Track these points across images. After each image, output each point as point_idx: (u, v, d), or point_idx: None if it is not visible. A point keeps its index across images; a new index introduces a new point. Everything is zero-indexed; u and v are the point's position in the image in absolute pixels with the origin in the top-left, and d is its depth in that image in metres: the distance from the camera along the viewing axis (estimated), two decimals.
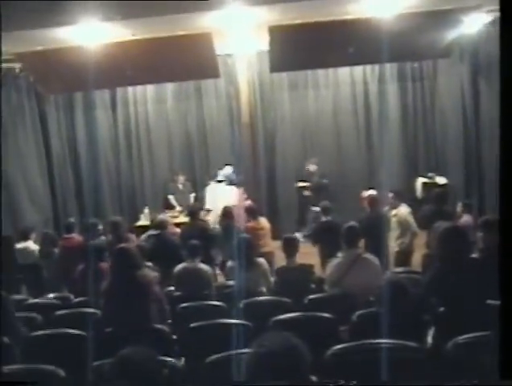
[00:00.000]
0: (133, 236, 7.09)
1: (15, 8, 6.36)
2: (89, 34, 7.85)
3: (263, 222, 7.56)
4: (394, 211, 7.24)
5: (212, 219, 8.66)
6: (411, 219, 7.14)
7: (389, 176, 10.78)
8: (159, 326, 3.99)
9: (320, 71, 11.17)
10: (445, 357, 3.09)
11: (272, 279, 5.49)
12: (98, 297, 4.40)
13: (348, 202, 10.12)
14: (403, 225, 7.06)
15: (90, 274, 5.39)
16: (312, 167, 10.34)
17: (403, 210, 7.20)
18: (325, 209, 7.25)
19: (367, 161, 11.26)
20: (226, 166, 10.04)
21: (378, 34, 7.76)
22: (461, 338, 3.04)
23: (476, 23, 8.77)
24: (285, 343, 1.76)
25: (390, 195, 7.44)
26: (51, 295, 5.66)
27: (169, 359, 3.03)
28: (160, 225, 6.88)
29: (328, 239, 6.70)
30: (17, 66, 9.74)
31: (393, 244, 7.06)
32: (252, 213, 7.56)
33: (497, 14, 8.19)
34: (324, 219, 7.23)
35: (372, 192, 7.58)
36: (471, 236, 5.92)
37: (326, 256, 6.39)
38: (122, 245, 4.51)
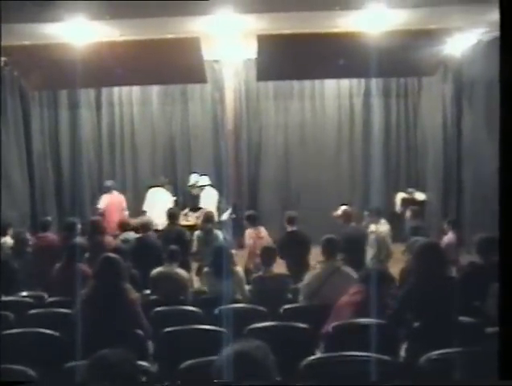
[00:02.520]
0: (110, 238, 7.04)
1: (3, 1, 6.32)
2: (77, 32, 7.80)
3: (263, 231, 7.37)
4: (371, 228, 7.27)
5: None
6: (388, 238, 7.19)
7: (369, 190, 10.92)
8: (134, 329, 3.95)
9: (306, 83, 11.25)
10: (417, 372, 3.12)
11: (247, 288, 5.49)
12: (73, 298, 4.35)
13: (327, 214, 10.17)
14: (380, 243, 7.10)
15: (65, 274, 5.34)
16: (194, 178, 10.09)
17: (382, 228, 7.21)
18: (290, 219, 7.14)
19: (348, 173, 11.36)
20: (193, 174, 10.14)
21: (366, 48, 7.87)
22: (434, 353, 3.07)
23: (461, 44, 8.93)
24: (240, 348, 1.80)
25: (367, 211, 7.49)
26: (24, 293, 5.57)
27: (143, 363, 3.01)
28: (143, 227, 6.87)
29: (294, 249, 6.69)
30: (2, 59, 9.63)
31: (368, 261, 7.10)
32: (252, 221, 7.45)
33: (481, 36, 8.36)
34: (289, 229, 7.10)
35: (345, 207, 7.59)
36: (455, 253, 6.03)
37: (292, 266, 6.40)
38: (109, 254, 4.41)
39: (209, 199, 9.39)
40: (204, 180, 9.81)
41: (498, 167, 2.41)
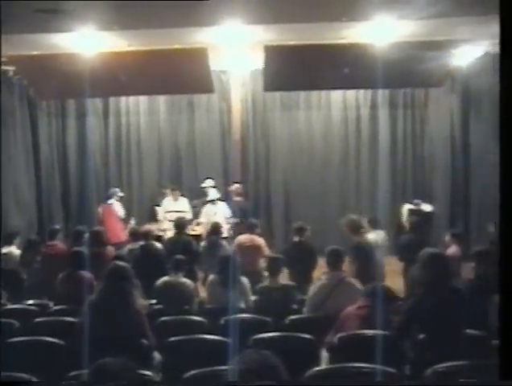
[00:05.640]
0: (111, 248, 7.00)
1: (13, 11, 6.38)
2: (86, 43, 7.87)
3: (256, 240, 7.22)
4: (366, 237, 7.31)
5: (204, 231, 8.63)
6: (378, 248, 7.17)
7: (375, 201, 10.91)
8: (140, 340, 3.94)
9: (313, 93, 11.27)
10: (423, 384, 3.10)
11: (252, 298, 5.47)
12: (77, 306, 4.34)
13: (331, 225, 10.27)
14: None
15: (70, 283, 5.35)
16: (208, 184, 9.93)
17: (371, 236, 7.22)
18: (297, 230, 7.10)
19: (354, 185, 11.35)
20: (207, 180, 10.00)
21: (372, 60, 7.88)
22: (440, 366, 3.05)
23: (468, 56, 8.93)
24: (264, 362, 1.76)
25: (366, 220, 7.53)
26: (30, 301, 5.58)
27: (147, 372, 3.01)
28: (146, 235, 6.87)
29: (299, 260, 6.65)
30: (10, 69, 9.72)
31: None
32: (249, 228, 7.37)
33: (488, 48, 8.35)
34: (296, 239, 7.05)
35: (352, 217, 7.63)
36: (457, 266, 5.98)
37: (297, 277, 6.37)
38: (117, 262, 4.41)
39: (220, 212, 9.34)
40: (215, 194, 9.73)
41: (499, 172, 2.40)
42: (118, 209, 9.68)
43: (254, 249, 7.06)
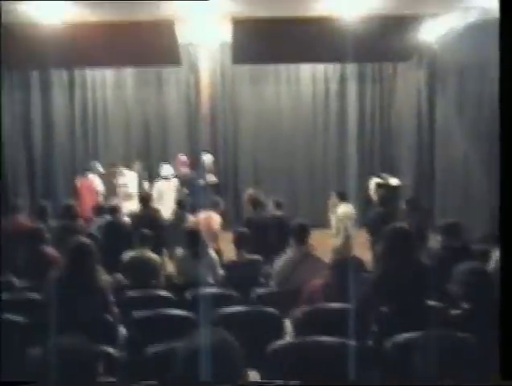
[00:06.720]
0: (82, 221, 6.98)
1: None
2: (51, 12, 7.64)
3: (212, 216, 7.27)
4: (333, 210, 7.48)
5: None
6: (348, 220, 7.33)
7: (343, 175, 11.01)
8: (104, 315, 3.90)
9: (282, 68, 11.22)
10: (384, 356, 3.16)
11: (221, 272, 5.48)
12: (41, 283, 4.28)
13: (300, 198, 10.38)
14: (340, 225, 7.27)
15: (33, 258, 5.27)
16: (207, 158, 10.17)
17: (341, 210, 7.38)
18: (277, 204, 7.20)
19: (323, 159, 11.40)
20: (165, 165, 9.90)
21: (341, 33, 7.84)
22: (400, 337, 3.11)
23: (436, 30, 8.96)
24: (214, 338, 1.76)
25: (333, 194, 7.71)
26: None
27: (109, 348, 2.99)
28: (113, 210, 6.82)
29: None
30: None
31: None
32: (212, 205, 7.48)
33: (454, 24, 8.38)
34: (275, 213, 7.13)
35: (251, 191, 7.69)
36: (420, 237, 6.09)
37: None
38: (81, 239, 4.33)
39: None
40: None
41: (499, 166, 2.40)
42: (97, 184, 9.53)
43: (208, 225, 7.07)
